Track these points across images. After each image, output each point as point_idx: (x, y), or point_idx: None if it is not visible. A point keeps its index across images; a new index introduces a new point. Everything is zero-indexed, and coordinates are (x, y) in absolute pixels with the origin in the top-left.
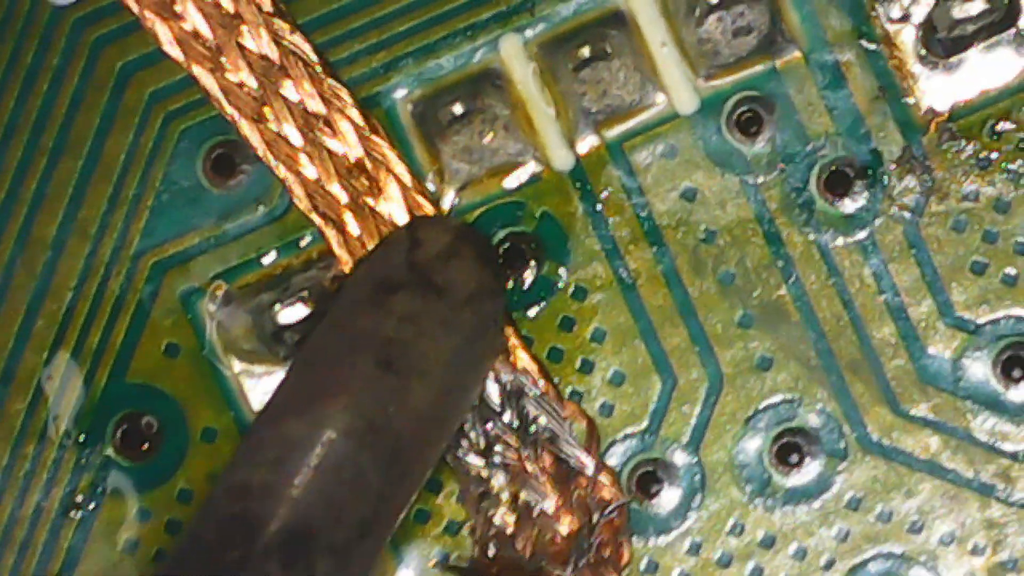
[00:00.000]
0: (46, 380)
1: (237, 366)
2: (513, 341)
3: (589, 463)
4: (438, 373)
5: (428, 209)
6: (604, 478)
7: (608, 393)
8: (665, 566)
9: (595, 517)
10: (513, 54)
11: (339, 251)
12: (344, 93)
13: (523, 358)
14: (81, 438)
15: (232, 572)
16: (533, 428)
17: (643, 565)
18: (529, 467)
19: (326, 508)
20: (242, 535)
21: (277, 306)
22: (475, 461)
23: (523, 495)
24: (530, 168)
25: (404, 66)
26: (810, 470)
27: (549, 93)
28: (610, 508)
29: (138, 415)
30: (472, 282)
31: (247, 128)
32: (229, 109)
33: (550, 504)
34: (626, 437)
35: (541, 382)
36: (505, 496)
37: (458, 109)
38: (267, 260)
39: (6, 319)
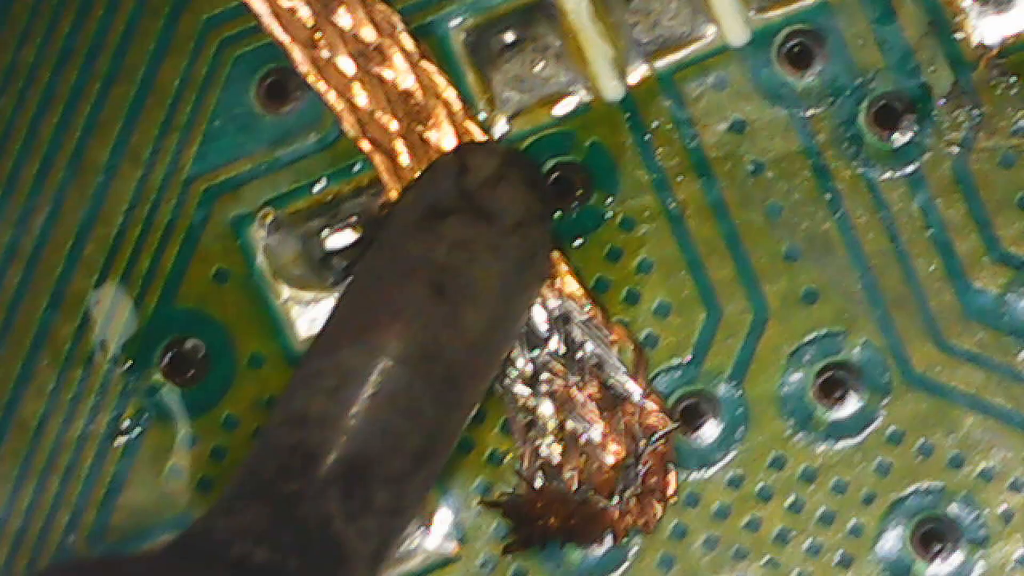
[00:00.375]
0: (94, 305)
1: (285, 292)
2: (561, 266)
3: (636, 389)
4: (488, 299)
5: (478, 136)
6: (651, 404)
7: (653, 324)
8: (706, 499)
9: (641, 445)
10: None
11: (388, 179)
12: (397, 20)
13: (570, 283)
14: (128, 363)
15: (292, 504)
16: (580, 354)
17: (684, 497)
18: (576, 394)
19: (383, 438)
20: (301, 466)
21: (326, 231)
22: (522, 390)
23: (569, 424)
24: (580, 98)
25: None
26: (853, 404)
27: (601, 23)
28: (657, 435)
29: (186, 340)
30: (520, 208)
31: (299, 54)
32: (281, 35)
33: (597, 432)
34: (670, 369)
35: (588, 307)
36: (552, 425)
37: (509, 38)
38: (318, 187)
39: (56, 243)
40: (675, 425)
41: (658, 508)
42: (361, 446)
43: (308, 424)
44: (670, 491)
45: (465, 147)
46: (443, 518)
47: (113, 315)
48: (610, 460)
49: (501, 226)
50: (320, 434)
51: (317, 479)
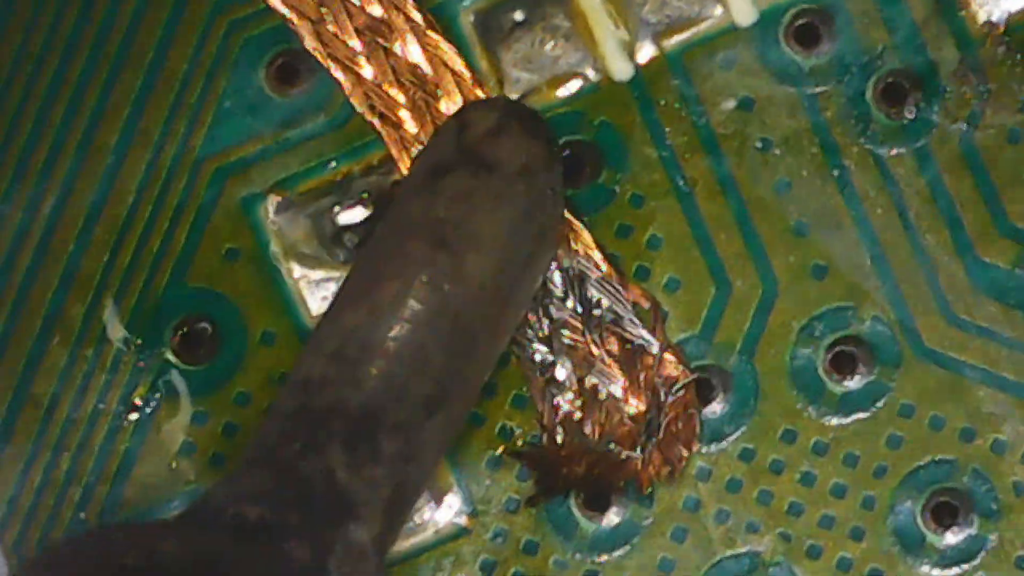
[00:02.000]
0: (105, 286)
1: (297, 270)
2: (574, 224)
3: (654, 342)
4: (495, 248)
5: None
6: (670, 356)
7: (663, 299)
8: (718, 472)
9: (661, 396)
10: None
11: (396, 152)
12: None
13: (585, 241)
14: (139, 341)
15: (293, 464)
16: (596, 311)
17: (695, 471)
18: (595, 350)
19: (386, 389)
20: (304, 428)
21: (337, 208)
22: (540, 348)
23: (589, 379)
24: (590, 77)
25: None
26: (863, 378)
27: (610, 3)
28: (678, 385)
29: (197, 319)
30: (522, 155)
31: (305, 29)
32: (286, 11)
33: (617, 386)
34: (681, 343)
35: (603, 265)
36: (571, 381)
37: (519, 17)
38: (328, 167)
39: (67, 224)
40: (695, 376)
41: (683, 452)
42: (364, 399)
43: (310, 388)
44: (695, 436)
45: (466, 106)
46: (454, 491)
47: (124, 295)
48: (632, 412)
49: (503, 174)
50: (321, 395)
51: (317, 436)
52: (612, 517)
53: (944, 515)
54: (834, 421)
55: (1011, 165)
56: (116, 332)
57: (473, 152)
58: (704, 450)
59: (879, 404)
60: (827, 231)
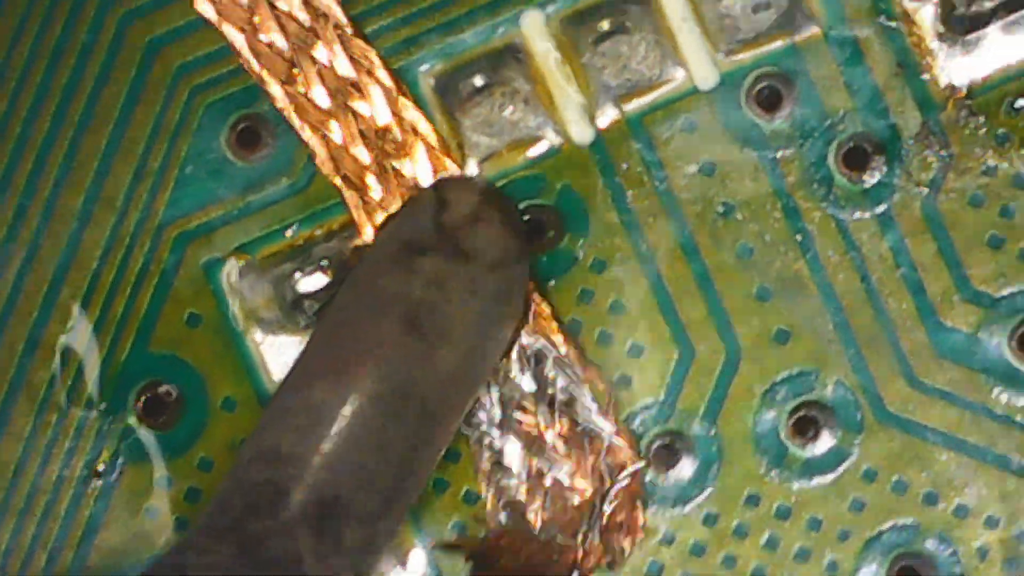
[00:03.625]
0: (68, 349)
1: (258, 336)
2: (537, 303)
3: (607, 426)
4: (463, 338)
5: (453, 171)
6: (621, 442)
7: (626, 365)
8: (682, 536)
9: (607, 483)
10: (534, 29)
11: (359, 217)
12: (373, 55)
13: (546, 321)
14: (103, 406)
15: (259, 543)
16: (551, 391)
17: (659, 536)
18: (545, 433)
19: (355, 476)
20: (269, 504)
21: (297, 275)
22: (489, 430)
23: (536, 463)
24: (550, 141)
25: (427, 41)
26: (826, 442)
27: (569, 67)
28: (625, 472)
29: (161, 384)
30: (499, 248)
31: (275, 90)
32: (259, 70)
33: (563, 471)
34: (644, 408)
35: (563, 346)
36: (518, 465)
37: (479, 82)
38: (289, 232)
39: (31, 289)
40: (643, 463)
41: (626, 544)
42: (332, 484)
43: (278, 461)
44: (638, 527)
45: (443, 182)
46: (419, 556)
47: (87, 360)
48: (576, 500)
49: (478, 265)
50: (290, 472)
51: (286, 517)
52: None
53: None
54: (797, 485)
55: (973, 229)
56: (84, 388)
57: (451, 236)
58: (668, 515)
59: (842, 468)
60: (790, 296)
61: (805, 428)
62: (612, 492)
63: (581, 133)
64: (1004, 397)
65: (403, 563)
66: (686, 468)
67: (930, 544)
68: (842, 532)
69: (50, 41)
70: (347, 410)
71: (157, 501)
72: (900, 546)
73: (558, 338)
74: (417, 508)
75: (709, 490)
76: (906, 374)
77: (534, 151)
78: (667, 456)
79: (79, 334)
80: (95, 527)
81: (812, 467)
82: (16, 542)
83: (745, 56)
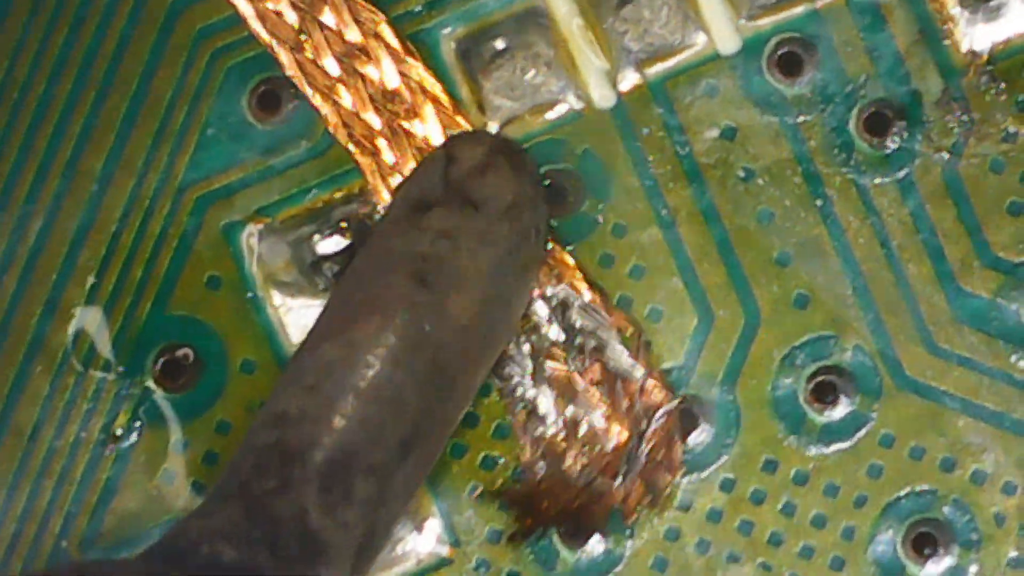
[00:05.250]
0: (88, 313)
1: (277, 298)
2: (557, 251)
3: (638, 369)
4: (477, 286)
5: (467, 129)
6: (653, 382)
7: (646, 329)
8: (699, 502)
9: (643, 424)
10: None
11: (373, 180)
12: (381, 19)
13: (568, 267)
14: (121, 370)
15: (266, 502)
16: (579, 339)
17: (676, 501)
18: (577, 379)
19: (363, 430)
20: (278, 464)
21: (316, 237)
22: (521, 381)
23: (571, 410)
24: (571, 105)
25: (449, 4)
26: (845, 408)
27: (591, 31)
28: (661, 411)
29: (179, 346)
30: (509, 194)
31: (284, 56)
32: (267, 37)
33: (598, 416)
34: (663, 373)
35: (587, 292)
36: (552, 414)
37: (500, 45)
38: (309, 195)
39: (51, 251)
40: (678, 400)
41: (668, 480)
42: (340, 439)
43: (286, 422)
44: (678, 463)
45: (453, 139)
46: (436, 521)
47: (106, 323)
48: (613, 442)
49: (488, 213)
50: (298, 431)
51: (294, 475)
52: (593, 548)
53: (924, 545)
54: (815, 451)
55: (993, 195)
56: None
57: (459, 188)
58: (685, 480)
59: (860, 434)
60: (809, 261)
61: (824, 393)
62: (648, 432)
63: (603, 97)
64: (1023, 363)
65: (420, 528)
66: (704, 433)
67: (947, 510)
68: (859, 498)
69: (72, 4)
70: (353, 366)
71: (175, 464)
72: (917, 512)
73: (582, 285)
74: (434, 474)
75: (727, 455)
76: (925, 340)
77: (555, 115)
78: (685, 421)
79: (98, 297)
80: (112, 491)
81: (830, 433)
82: (32, 505)
83: (767, 21)
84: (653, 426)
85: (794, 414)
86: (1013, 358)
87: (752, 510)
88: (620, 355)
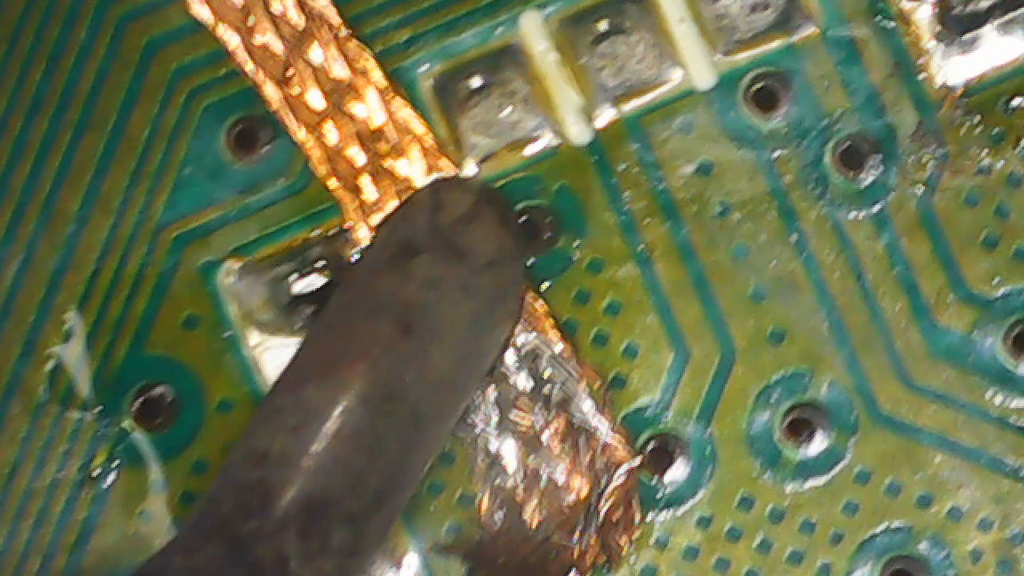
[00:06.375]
0: (65, 353)
1: (254, 338)
2: (533, 302)
3: (603, 424)
4: (456, 339)
5: (449, 171)
6: (616, 440)
7: (622, 365)
8: (675, 539)
9: (603, 481)
10: (533, 30)
11: (354, 219)
12: (368, 56)
13: (541, 317)
14: (99, 409)
15: (248, 543)
16: (547, 390)
17: (652, 539)
18: (540, 432)
19: (343, 477)
20: (259, 504)
21: (293, 276)
22: (485, 430)
23: (532, 462)
24: (548, 142)
25: (426, 42)
26: (820, 444)
27: (567, 68)
28: (621, 469)
29: (156, 386)
30: (493, 246)
31: (270, 91)
32: (253, 72)
33: (560, 470)
34: (639, 410)
35: (558, 342)
36: (514, 465)
37: (477, 83)
38: (286, 233)
39: (28, 291)
40: (638, 459)
41: (623, 542)
42: (320, 485)
43: (268, 462)
44: (635, 524)
45: (439, 183)
46: (413, 560)
47: (83, 363)
48: (572, 498)
49: (472, 265)
50: (279, 472)
51: (274, 518)
52: None
53: None
54: (791, 487)
55: (968, 228)
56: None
57: (445, 236)
58: (661, 517)
59: (836, 470)
60: (785, 296)
61: (799, 430)
62: (608, 490)
63: (579, 133)
64: (998, 398)
65: (397, 566)
66: (680, 470)
67: (923, 547)
68: (835, 535)
69: (48, 41)
70: (337, 411)
71: (152, 504)
72: (893, 549)
73: (553, 335)
74: (412, 511)
75: (703, 492)
76: (900, 375)
77: (532, 151)
78: (661, 458)
79: (75, 337)
80: (90, 530)
81: (806, 469)
82: (10, 545)
83: (742, 56)
84: (613, 483)
85: (770, 450)
86: (988, 393)
87: (728, 547)
88: (586, 409)
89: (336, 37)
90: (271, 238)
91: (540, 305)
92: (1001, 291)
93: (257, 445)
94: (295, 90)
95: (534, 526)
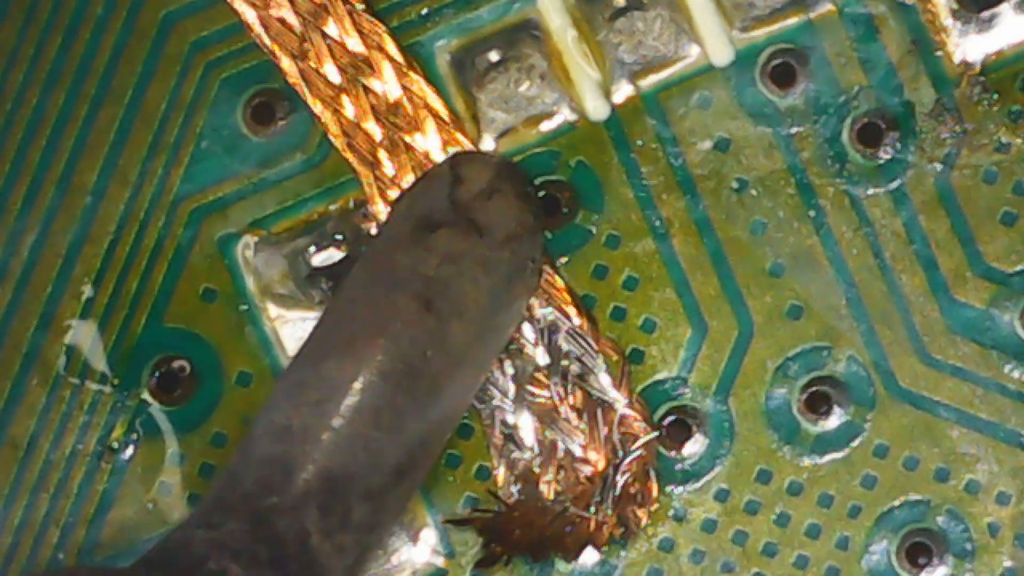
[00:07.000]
0: (82, 326)
1: (273, 310)
2: (549, 275)
3: (620, 398)
4: (476, 314)
5: (466, 145)
6: (633, 412)
7: (639, 340)
8: (693, 512)
9: (620, 454)
10: (550, 5)
11: (371, 191)
12: (384, 31)
13: (559, 290)
14: (117, 381)
15: (270, 519)
16: (564, 363)
17: (670, 512)
18: (558, 405)
19: (364, 453)
20: (280, 480)
21: (312, 249)
22: (502, 404)
23: (549, 435)
24: (565, 117)
25: (443, 16)
26: (838, 418)
27: (585, 44)
28: (638, 443)
29: (174, 359)
30: (512, 221)
31: (287, 64)
32: (270, 45)
33: (576, 443)
34: (657, 384)
35: (576, 317)
36: (531, 438)
37: (494, 57)
38: (304, 207)
39: (45, 264)
40: (656, 433)
41: (641, 515)
42: (341, 461)
43: (290, 437)
44: (651, 497)
45: (459, 157)
46: (431, 532)
47: (101, 335)
48: (588, 471)
49: (492, 240)
50: (301, 447)
51: (295, 493)
52: (588, 559)
53: (919, 555)
54: (809, 461)
55: (986, 205)
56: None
57: (465, 210)
58: (679, 491)
59: (854, 444)
60: (803, 272)
61: (817, 404)
62: (625, 463)
63: (597, 109)
64: (1016, 373)
65: (415, 539)
66: (698, 444)
67: (941, 520)
68: (853, 508)
69: (65, 14)
70: (358, 386)
71: (170, 477)
72: (911, 522)
73: (571, 309)
74: (429, 484)
75: (721, 466)
76: (918, 350)
77: (549, 127)
78: (679, 432)
79: (93, 310)
80: (108, 503)
81: (824, 443)
82: (29, 517)
83: (760, 32)
84: (630, 457)
85: (788, 424)
86: (1006, 368)
87: (746, 520)
88: (604, 383)
89: (351, 11)
90: (289, 211)
91: (558, 279)
92: (1018, 267)
93: (278, 420)
94: (312, 64)
95: (551, 499)
